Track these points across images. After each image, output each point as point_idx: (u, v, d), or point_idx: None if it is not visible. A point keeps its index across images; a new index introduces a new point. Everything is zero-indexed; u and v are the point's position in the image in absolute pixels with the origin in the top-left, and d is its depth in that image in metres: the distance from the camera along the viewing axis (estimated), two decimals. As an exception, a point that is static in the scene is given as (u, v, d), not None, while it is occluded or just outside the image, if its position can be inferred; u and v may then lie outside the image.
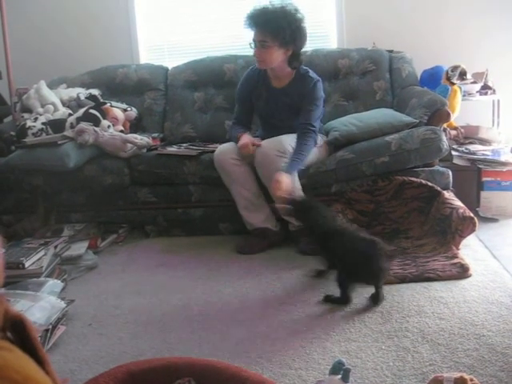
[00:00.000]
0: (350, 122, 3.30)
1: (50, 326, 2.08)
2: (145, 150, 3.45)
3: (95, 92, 3.84)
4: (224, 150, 3.08)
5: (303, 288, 2.49)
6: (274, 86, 3.13)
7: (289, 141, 2.99)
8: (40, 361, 0.70)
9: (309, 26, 3.07)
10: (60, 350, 2.08)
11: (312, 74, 3.10)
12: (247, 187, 3.02)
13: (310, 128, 2.99)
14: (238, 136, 3.04)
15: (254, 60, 3.09)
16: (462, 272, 2.48)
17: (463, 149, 3.55)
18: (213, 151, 3.17)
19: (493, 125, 3.91)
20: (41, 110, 3.59)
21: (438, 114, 3.19)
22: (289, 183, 2.77)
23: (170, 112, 3.99)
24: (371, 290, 2.38)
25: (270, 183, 2.85)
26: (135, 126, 3.85)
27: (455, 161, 3.45)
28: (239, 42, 4.28)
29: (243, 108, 3.26)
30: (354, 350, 1.92)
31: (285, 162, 2.87)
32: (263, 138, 3.10)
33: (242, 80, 3.25)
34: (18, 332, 0.70)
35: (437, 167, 3.17)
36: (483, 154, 3.47)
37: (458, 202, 2.90)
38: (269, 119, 3.22)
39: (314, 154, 3.07)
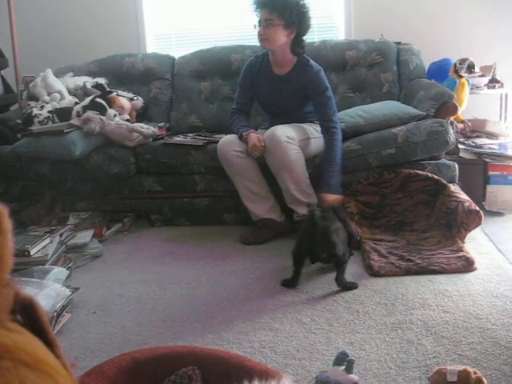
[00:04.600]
0: (357, 113, 3.29)
1: (55, 314, 2.09)
2: (151, 140, 3.45)
3: (102, 81, 3.84)
4: (227, 142, 3.07)
5: (307, 279, 2.49)
6: (275, 72, 3.13)
7: (299, 128, 3.01)
8: (49, 344, 0.70)
9: (316, 17, 3.08)
10: (65, 337, 2.08)
11: (312, 63, 3.09)
12: (251, 178, 3.02)
13: (332, 125, 2.98)
14: (244, 135, 3.02)
15: (257, 52, 3.08)
16: (467, 265, 2.47)
17: (470, 142, 3.54)
18: (219, 141, 3.17)
19: (500, 119, 3.89)
20: (47, 98, 3.59)
21: (445, 107, 3.18)
22: (336, 199, 2.86)
23: (176, 102, 3.99)
24: (376, 282, 2.39)
25: (279, 172, 2.87)
26: (141, 115, 3.85)
27: (462, 154, 3.43)
28: (246, 32, 4.25)
29: (245, 94, 3.23)
30: (358, 341, 1.92)
31: (295, 149, 2.89)
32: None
33: (245, 67, 3.24)
34: (28, 315, 0.70)
35: (443, 160, 3.16)
36: (490, 148, 3.45)
37: (463, 196, 2.89)
38: (271, 108, 3.22)
39: (320, 144, 3.06)
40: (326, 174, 2.91)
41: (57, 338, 0.73)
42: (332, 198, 2.84)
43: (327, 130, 2.99)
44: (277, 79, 3.11)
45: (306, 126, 3.07)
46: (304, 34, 3.05)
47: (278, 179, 2.95)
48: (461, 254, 2.56)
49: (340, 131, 3.01)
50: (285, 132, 2.92)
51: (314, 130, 3.08)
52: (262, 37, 3.00)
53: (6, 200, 3.31)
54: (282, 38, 2.98)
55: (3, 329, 0.62)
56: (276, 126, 2.99)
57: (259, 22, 2.99)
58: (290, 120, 3.08)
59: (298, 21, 2.96)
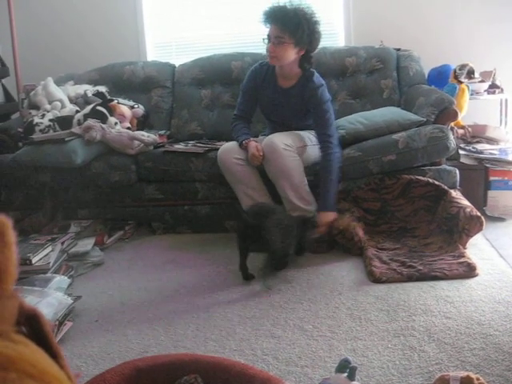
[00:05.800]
0: (357, 120, 3.29)
1: (57, 322, 2.09)
2: (152, 147, 3.45)
3: (102, 89, 3.85)
4: (227, 150, 3.07)
5: (309, 286, 2.49)
6: (280, 85, 3.11)
7: (297, 135, 3.01)
8: (54, 355, 0.70)
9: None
10: (67, 345, 2.08)
11: (316, 78, 3.06)
12: (251, 186, 3.02)
13: (327, 140, 2.96)
14: (244, 144, 3.02)
15: (265, 57, 3.08)
16: (469, 271, 2.47)
17: (470, 148, 3.54)
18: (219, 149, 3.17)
19: (500, 124, 3.90)
20: (48, 106, 3.60)
21: (445, 113, 3.19)
22: (331, 217, 2.87)
23: (177, 109, 3.99)
24: (378, 288, 2.39)
25: (277, 179, 2.87)
26: (142, 123, 3.85)
27: (462, 160, 3.43)
28: (246, 39, 4.29)
29: (247, 101, 3.22)
30: (361, 348, 1.92)
31: (293, 157, 2.89)
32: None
33: (250, 74, 3.21)
34: (32, 326, 0.70)
35: (444, 166, 3.17)
36: (490, 153, 3.46)
37: (465, 201, 2.89)
38: (273, 118, 3.22)
39: (317, 151, 3.04)
40: (322, 192, 2.92)
41: (61, 349, 0.73)
42: (328, 216, 2.87)
43: (323, 145, 2.98)
44: (280, 91, 3.10)
45: (302, 133, 3.07)
46: (314, 51, 3.04)
47: (277, 187, 2.95)
48: (462, 259, 2.56)
49: (336, 146, 2.99)
50: (282, 140, 2.92)
51: (311, 137, 3.08)
52: (272, 54, 2.95)
53: (7, 208, 3.32)
54: (292, 55, 2.95)
55: (8, 340, 0.62)
56: (273, 134, 3.00)
57: (268, 36, 2.95)
58: (291, 129, 3.08)
59: (308, 40, 2.93)
